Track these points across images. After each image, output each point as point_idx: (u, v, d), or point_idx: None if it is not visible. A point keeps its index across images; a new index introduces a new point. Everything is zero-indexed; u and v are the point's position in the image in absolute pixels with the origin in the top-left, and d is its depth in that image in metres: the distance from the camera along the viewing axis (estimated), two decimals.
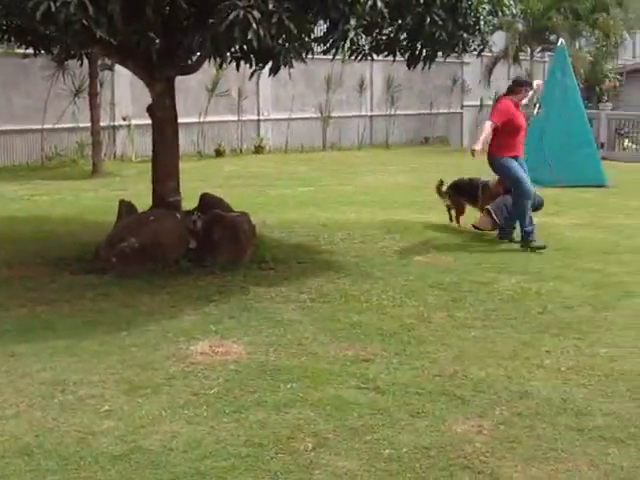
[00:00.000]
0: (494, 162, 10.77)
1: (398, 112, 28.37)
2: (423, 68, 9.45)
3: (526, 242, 10.45)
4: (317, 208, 13.69)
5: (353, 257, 9.85)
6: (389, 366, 6.15)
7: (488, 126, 10.50)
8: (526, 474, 4.50)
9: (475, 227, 11.37)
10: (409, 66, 9.51)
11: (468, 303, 7.92)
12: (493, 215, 11.06)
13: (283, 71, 8.87)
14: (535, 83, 12.07)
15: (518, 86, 10.84)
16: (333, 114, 26.66)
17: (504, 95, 10.91)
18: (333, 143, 26.68)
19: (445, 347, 6.62)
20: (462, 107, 31.14)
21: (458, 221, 11.96)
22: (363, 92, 27.76)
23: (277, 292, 8.19)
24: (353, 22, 7.62)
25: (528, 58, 30.15)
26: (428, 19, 8.29)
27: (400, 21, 8.61)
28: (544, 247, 10.35)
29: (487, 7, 8.98)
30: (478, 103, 30.44)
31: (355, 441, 4.86)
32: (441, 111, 30.22)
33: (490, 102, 30.17)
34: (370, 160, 22.90)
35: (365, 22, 7.90)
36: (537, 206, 11.19)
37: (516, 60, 29.72)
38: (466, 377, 5.93)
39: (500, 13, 9.42)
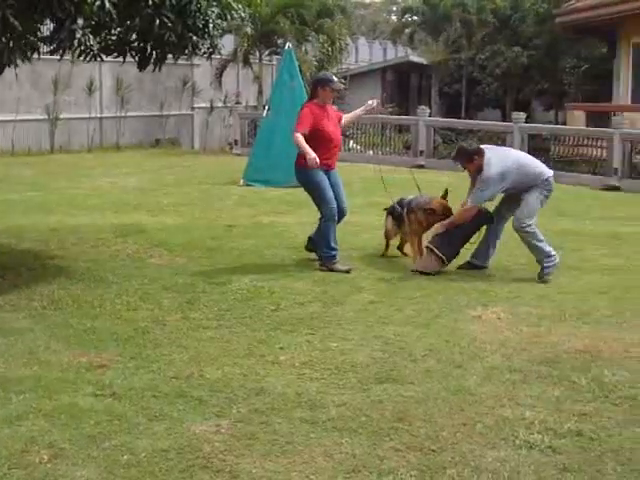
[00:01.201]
0: (298, 174, 9.71)
1: (129, 114, 28.06)
2: (154, 70, 9.40)
3: (328, 265, 9.45)
4: (46, 212, 13.30)
5: (85, 262, 9.65)
6: (125, 371, 6.08)
7: (298, 137, 9.42)
8: (265, 469, 4.59)
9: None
10: (139, 67, 9.43)
11: (202, 304, 7.95)
12: (436, 252, 9.39)
13: (8, 71, 8.56)
14: (371, 101, 10.22)
15: (314, 87, 9.83)
16: (61, 116, 25.97)
17: (308, 100, 9.92)
18: (62, 146, 26.00)
19: (181, 349, 6.63)
20: (193, 109, 31.25)
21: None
22: (92, 93, 27.22)
23: (6, 300, 7.90)
24: (80, 22, 7.48)
25: (257, 61, 30.67)
26: (157, 21, 8.27)
27: (129, 22, 8.54)
28: (349, 271, 9.38)
29: (216, 10, 9.06)
30: (209, 105, 30.66)
31: (92, 449, 4.78)
32: (172, 113, 30.17)
33: (220, 104, 30.57)
34: (101, 163, 22.49)
35: (93, 22, 7.77)
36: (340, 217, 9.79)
37: (246, 63, 30.15)
38: (203, 377, 5.97)
39: (229, 17, 9.53)
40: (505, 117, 36.62)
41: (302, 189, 9.99)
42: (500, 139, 22.48)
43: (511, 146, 21.14)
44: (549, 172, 9.36)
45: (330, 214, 9.57)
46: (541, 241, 9.20)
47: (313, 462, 4.69)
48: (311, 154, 9.21)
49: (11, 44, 7.73)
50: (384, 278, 9.04)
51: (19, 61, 8.13)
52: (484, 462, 4.69)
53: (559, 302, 8.09)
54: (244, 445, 4.88)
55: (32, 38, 8.29)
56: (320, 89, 9.69)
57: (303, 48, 30.73)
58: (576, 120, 25.63)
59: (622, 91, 26.84)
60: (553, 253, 9.15)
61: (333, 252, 9.54)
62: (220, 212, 13.68)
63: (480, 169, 9.13)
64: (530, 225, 9.15)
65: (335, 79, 9.97)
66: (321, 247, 9.61)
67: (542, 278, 9.02)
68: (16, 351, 6.46)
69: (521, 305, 7.97)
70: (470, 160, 9.22)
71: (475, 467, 4.63)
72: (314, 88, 9.82)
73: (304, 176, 9.63)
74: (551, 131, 23.14)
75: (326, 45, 30.71)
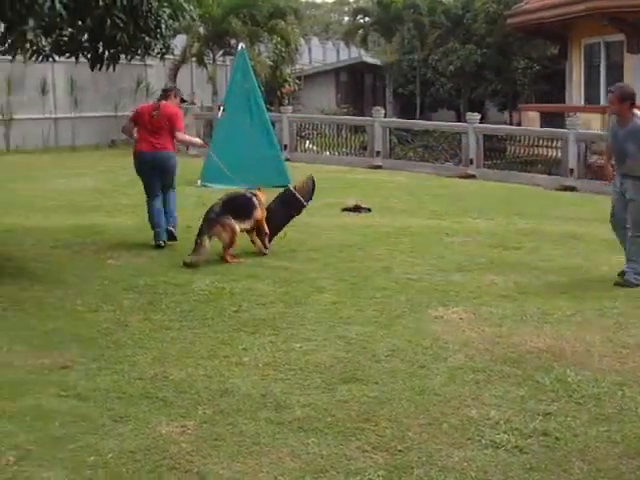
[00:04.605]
0: (173, 159, 10.94)
1: (83, 114, 27.80)
2: (107, 70, 9.36)
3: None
4: (3, 213, 13.16)
5: (44, 263, 9.58)
6: (88, 372, 6.06)
7: (185, 135, 11.19)
8: (232, 470, 4.60)
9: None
10: (92, 67, 9.38)
11: (164, 305, 7.92)
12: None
13: None
14: None
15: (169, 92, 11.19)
16: (15, 116, 25.70)
17: (165, 101, 10.97)
18: (17, 146, 25.71)
19: (144, 350, 6.60)
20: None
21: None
22: (46, 94, 26.96)
23: None
24: (32, 23, 7.41)
25: (211, 61, 30.57)
26: (109, 21, 8.22)
27: (81, 23, 8.49)
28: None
29: (167, 11, 9.04)
30: None
31: (58, 450, 4.77)
32: (127, 113, 29.80)
33: None
34: (57, 163, 22.27)
35: (44, 23, 7.70)
36: None
37: (200, 63, 30.06)
38: (167, 379, 5.96)
39: (181, 17, 9.52)
40: (460, 118, 36.83)
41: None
42: (456, 140, 22.67)
43: (467, 147, 21.33)
44: None
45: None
46: None
47: (280, 463, 4.70)
48: (200, 141, 12.38)
49: None
50: (345, 279, 9.04)
51: None
52: (451, 462, 4.72)
53: (520, 302, 8.13)
54: (211, 446, 4.88)
55: None
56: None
57: (256, 49, 30.70)
58: (531, 121, 25.87)
59: (575, 92, 27.13)
60: None
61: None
62: (178, 213, 13.56)
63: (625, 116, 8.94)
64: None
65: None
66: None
67: (624, 282, 8.86)
68: None
69: (482, 305, 8.01)
70: (622, 101, 8.93)
71: (442, 467, 4.66)
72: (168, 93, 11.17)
73: (174, 160, 11.03)
74: (507, 132, 23.33)
75: (279, 46, 30.71)
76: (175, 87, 12.03)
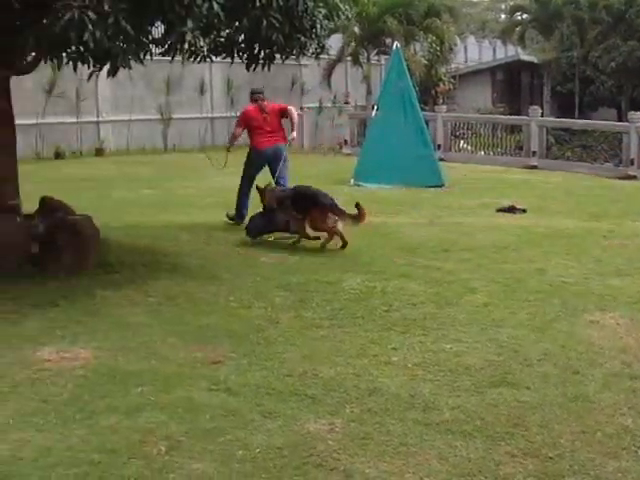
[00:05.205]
0: (285, 149, 12.33)
1: (239, 113, 28.30)
2: (262, 69, 9.49)
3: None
4: (161, 210, 13.53)
5: (199, 259, 9.77)
6: (239, 367, 6.14)
7: None
8: (378, 469, 4.58)
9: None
10: (247, 68, 9.52)
11: (315, 303, 7.95)
12: None
13: (122, 72, 8.72)
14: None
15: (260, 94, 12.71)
16: (174, 116, 26.41)
17: (265, 102, 12.48)
18: (175, 145, 26.42)
19: (294, 347, 6.65)
20: (301, 108, 31.36)
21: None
22: (203, 93, 27.62)
23: (124, 296, 8.04)
24: (190, 24, 7.57)
25: (366, 61, 30.65)
26: (265, 22, 8.32)
27: (237, 23, 8.63)
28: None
29: (323, 11, 9.09)
30: (317, 104, 30.74)
31: (208, 443, 4.85)
32: None
33: (329, 104, 30.58)
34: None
35: (202, 24, 7.86)
36: None
37: (356, 62, 30.20)
38: (316, 376, 5.98)
39: (336, 17, 9.55)
40: (621, 117, 35.72)
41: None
42: (616, 139, 22.04)
43: (628, 147, 20.70)
44: None
45: None
46: None
47: (427, 464, 4.65)
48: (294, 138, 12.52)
49: (124, 46, 7.86)
50: (498, 280, 8.87)
51: (132, 62, 8.24)
52: (605, 472, 4.58)
53: None
54: (358, 445, 4.87)
55: (144, 40, 8.41)
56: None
57: (412, 48, 30.62)
58: None
59: None
60: None
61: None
62: None
63: None
64: None
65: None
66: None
67: None
68: (134, 345, 6.59)
69: None
70: None
71: (595, 476, 4.53)
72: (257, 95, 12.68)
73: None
74: None
75: (435, 45, 30.54)
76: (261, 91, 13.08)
